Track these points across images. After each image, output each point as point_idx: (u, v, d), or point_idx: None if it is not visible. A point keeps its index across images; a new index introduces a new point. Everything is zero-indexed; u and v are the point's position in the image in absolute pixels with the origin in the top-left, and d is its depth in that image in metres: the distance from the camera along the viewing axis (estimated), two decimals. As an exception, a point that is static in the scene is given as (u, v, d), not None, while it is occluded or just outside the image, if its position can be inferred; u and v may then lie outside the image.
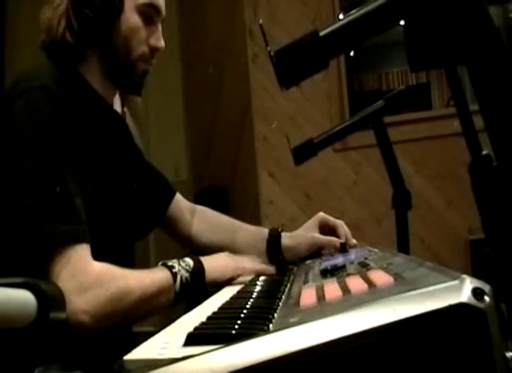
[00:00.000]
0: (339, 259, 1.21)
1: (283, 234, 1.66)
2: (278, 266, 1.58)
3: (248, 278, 1.39)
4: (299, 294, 0.85)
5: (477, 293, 0.51)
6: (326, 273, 1.01)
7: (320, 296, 0.77)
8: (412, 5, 0.73)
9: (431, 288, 0.53)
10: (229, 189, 4.42)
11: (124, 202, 1.42)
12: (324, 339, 0.52)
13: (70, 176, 1.19)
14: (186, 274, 1.24)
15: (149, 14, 1.39)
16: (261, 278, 1.29)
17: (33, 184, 1.16)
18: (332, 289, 0.79)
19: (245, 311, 0.86)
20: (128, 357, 0.73)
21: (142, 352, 0.76)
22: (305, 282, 1.02)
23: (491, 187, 0.68)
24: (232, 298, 1.08)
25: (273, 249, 1.64)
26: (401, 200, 1.90)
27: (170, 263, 1.25)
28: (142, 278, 1.21)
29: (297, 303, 0.79)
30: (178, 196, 1.70)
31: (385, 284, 0.70)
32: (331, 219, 1.68)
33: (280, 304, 0.88)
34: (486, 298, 0.51)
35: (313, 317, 0.56)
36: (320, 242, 1.63)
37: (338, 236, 1.63)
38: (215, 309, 0.96)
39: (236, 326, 0.74)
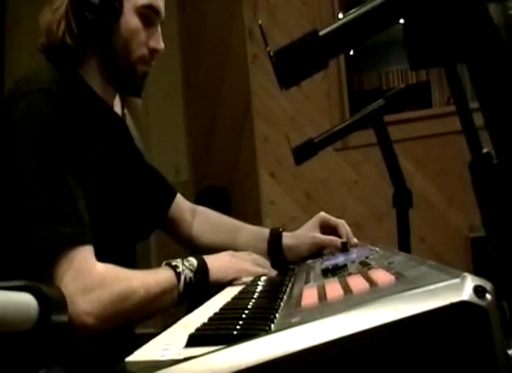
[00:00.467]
0: (340, 259, 1.21)
1: (284, 234, 1.66)
2: (280, 266, 1.58)
3: (250, 278, 1.38)
4: (301, 294, 0.85)
5: (478, 291, 0.51)
6: (327, 273, 1.01)
7: (322, 296, 0.77)
8: (411, 3, 0.73)
9: (432, 287, 0.53)
10: (229, 189, 4.42)
11: (125, 204, 1.42)
12: (325, 338, 0.52)
13: (72, 178, 1.20)
14: (190, 274, 1.24)
15: (148, 16, 1.38)
16: (263, 278, 1.29)
17: (35, 187, 1.16)
18: (333, 288, 0.79)
19: (247, 311, 0.86)
20: (129, 358, 0.73)
21: (143, 353, 0.76)
22: (306, 282, 1.01)
23: (491, 185, 0.68)
24: (233, 299, 1.08)
25: (274, 249, 1.64)
26: (402, 199, 1.90)
27: (173, 263, 1.25)
28: (145, 278, 1.21)
29: (299, 303, 0.79)
30: (179, 198, 1.70)
31: (386, 283, 0.70)
32: (332, 219, 1.68)
33: (282, 304, 0.88)
34: (488, 296, 0.51)
35: (314, 317, 0.56)
36: (322, 241, 1.63)
37: (339, 236, 1.63)
38: (217, 310, 0.96)
39: (238, 327, 0.74)
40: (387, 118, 1.93)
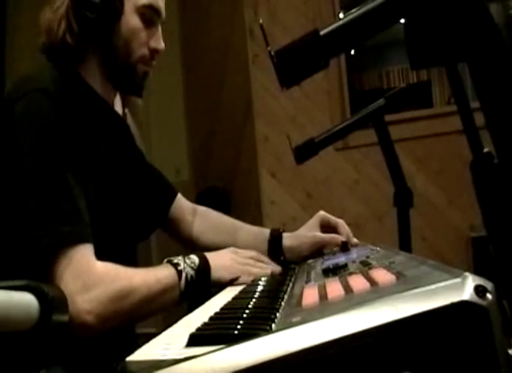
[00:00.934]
0: (341, 258, 1.21)
1: (284, 234, 1.66)
2: (280, 266, 1.58)
3: (250, 278, 1.38)
4: (302, 294, 0.85)
5: (479, 290, 0.51)
6: (328, 273, 1.01)
7: (323, 295, 0.77)
8: (411, 3, 0.73)
9: (433, 286, 0.53)
10: (230, 189, 4.42)
11: (126, 203, 1.42)
12: (326, 338, 0.52)
13: (72, 178, 1.20)
14: (191, 272, 1.24)
15: (149, 16, 1.38)
16: (263, 278, 1.29)
17: (35, 187, 1.16)
18: (334, 288, 0.79)
19: (247, 311, 0.86)
20: (130, 358, 0.73)
21: (144, 353, 0.76)
22: (307, 281, 1.01)
23: (492, 185, 0.68)
24: (234, 298, 1.08)
25: (274, 250, 1.64)
26: (403, 199, 1.90)
27: (175, 261, 1.25)
28: (146, 276, 1.20)
29: (299, 303, 0.79)
30: (180, 197, 1.70)
31: (387, 283, 0.70)
32: (332, 218, 1.68)
33: (282, 303, 0.88)
34: (489, 296, 0.51)
35: (315, 316, 0.56)
36: (322, 239, 1.63)
37: (339, 235, 1.63)
38: (218, 310, 0.96)
39: (239, 326, 0.74)
40: (388, 118, 1.93)
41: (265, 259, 1.45)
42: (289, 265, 1.54)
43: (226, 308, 0.98)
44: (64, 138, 1.21)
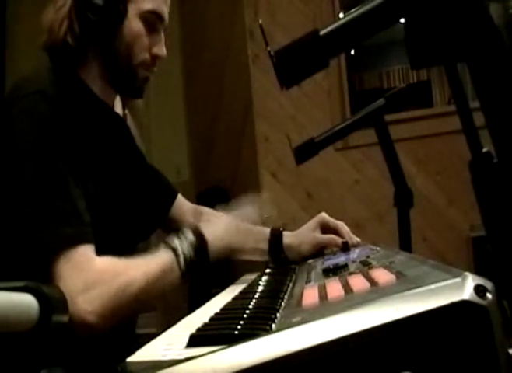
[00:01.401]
0: (341, 258, 1.21)
1: (285, 233, 1.66)
2: (281, 265, 1.58)
3: (251, 277, 1.39)
4: (302, 294, 0.85)
5: (479, 290, 0.52)
6: (328, 273, 1.01)
7: (323, 295, 0.77)
8: (411, 3, 0.73)
9: (433, 286, 0.53)
10: (230, 189, 4.42)
11: (126, 204, 1.42)
12: (326, 338, 0.52)
13: (71, 179, 1.19)
14: (187, 248, 1.23)
15: (152, 21, 1.37)
16: (264, 278, 1.29)
17: (35, 189, 1.16)
18: (334, 288, 0.79)
19: (247, 311, 0.86)
20: (131, 358, 0.74)
21: (145, 354, 0.76)
22: (307, 281, 1.02)
23: (491, 185, 0.68)
24: (234, 299, 1.08)
25: (275, 249, 1.64)
26: (403, 198, 1.90)
27: (172, 245, 1.24)
28: (145, 264, 1.20)
29: (300, 303, 0.79)
30: (180, 198, 1.70)
31: (387, 283, 0.70)
32: (332, 220, 1.68)
33: (283, 304, 0.88)
34: (489, 295, 0.51)
35: (315, 316, 0.56)
36: (322, 241, 1.63)
37: (339, 236, 1.63)
38: (218, 310, 0.96)
39: (239, 327, 0.74)
40: (388, 117, 1.93)
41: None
42: (290, 265, 1.54)
43: (226, 309, 0.98)
44: (63, 139, 1.21)
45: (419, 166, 3.85)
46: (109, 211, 1.33)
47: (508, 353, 0.52)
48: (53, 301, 0.53)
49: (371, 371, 0.52)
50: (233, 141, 4.39)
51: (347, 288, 0.76)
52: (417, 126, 3.97)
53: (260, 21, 1.09)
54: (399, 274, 0.73)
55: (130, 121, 1.59)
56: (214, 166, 4.60)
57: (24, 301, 0.52)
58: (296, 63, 0.77)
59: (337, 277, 0.92)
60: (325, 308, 0.70)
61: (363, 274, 0.84)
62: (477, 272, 0.53)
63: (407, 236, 1.91)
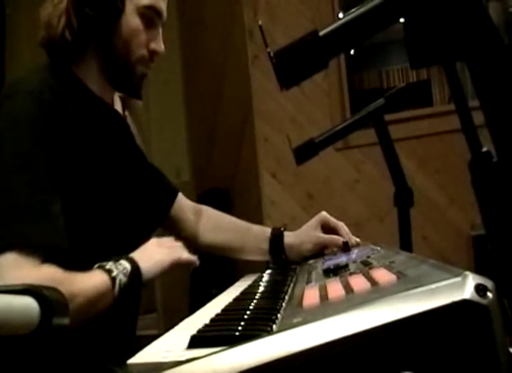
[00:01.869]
0: (342, 259, 1.21)
1: (286, 233, 1.66)
2: (281, 266, 1.58)
3: (252, 278, 1.39)
4: (302, 294, 0.85)
5: (480, 289, 0.52)
6: (329, 273, 1.01)
7: (323, 296, 0.77)
8: (411, 2, 0.73)
9: (434, 286, 0.53)
10: (231, 190, 4.42)
11: (126, 202, 1.41)
12: (327, 338, 0.52)
13: (49, 182, 1.18)
14: (124, 279, 1.20)
15: (150, 17, 1.37)
16: (264, 279, 1.29)
17: (9, 187, 1.16)
18: (335, 288, 0.79)
19: (248, 312, 0.86)
20: (132, 360, 0.74)
21: (146, 355, 0.77)
22: (308, 282, 1.01)
23: (491, 184, 0.68)
24: (235, 300, 1.08)
25: (276, 249, 1.64)
26: (403, 198, 1.90)
27: (107, 267, 1.20)
28: (84, 282, 1.16)
29: (300, 303, 0.79)
30: (181, 196, 1.70)
31: (388, 283, 0.70)
32: (332, 219, 1.68)
33: (283, 304, 0.88)
34: (489, 295, 0.51)
35: (316, 317, 0.56)
36: (324, 241, 1.63)
37: (339, 236, 1.63)
38: (219, 311, 0.96)
39: (240, 328, 0.74)
40: (388, 117, 1.93)
41: (179, 244, 1.42)
42: (290, 265, 1.54)
43: (227, 310, 0.98)
44: (46, 141, 1.20)
45: (419, 165, 3.85)
46: (109, 210, 1.33)
47: (509, 352, 0.52)
48: (53, 304, 0.53)
49: (372, 371, 0.52)
50: (233, 142, 4.39)
51: (348, 288, 0.76)
52: (417, 125, 3.97)
53: (260, 22, 1.09)
54: (400, 274, 0.73)
55: (130, 121, 1.58)
56: (214, 167, 4.61)
57: (25, 304, 0.52)
58: (295, 64, 0.77)
59: (337, 278, 0.92)
60: (326, 308, 0.70)
61: (364, 274, 0.84)
62: (478, 271, 0.53)
63: (407, 236, 1.91)
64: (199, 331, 0.79)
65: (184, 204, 1.70)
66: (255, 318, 0.81)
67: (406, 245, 1.89)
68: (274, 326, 0.73)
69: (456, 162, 3.61)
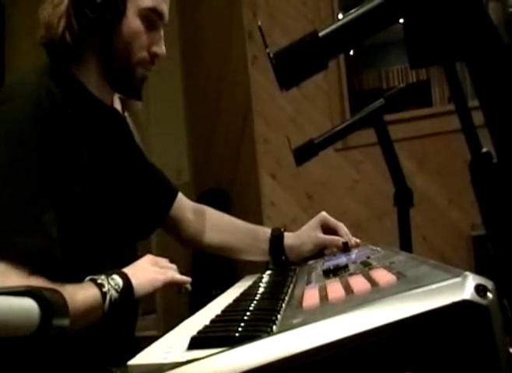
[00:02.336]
0: (342, 259, 1.21)
1: (286, 234, 1.66)
2: (281, 266, 1.58)
3: (252, 279, 1.39)
4: (302, 295, 0.85)
5: (480, 289, 0.52)
6: (329, 274, 1.01)
7: (323, 296, 0.77)
8: (411, 3, 0.73)
9: (434, 286, 0.53)
10: (230, 191, 4.42)
11: (126, 202, 1.41)
12: (327, 339, 0.52)
13: (42, 190, 1.17)
14: (115, 294, 1.18)
15: (151, 19, 1.36)
16: (264, 280, 1.29)
17: (1, 195, 1.14)
18: (335, 289, 0.79)
19: (248, 313, 0.86)
20: (132, 361, 0.74)
21: (146, 357, 0.76)
22: (308, 283, 1.01)
23: (491, 184, 0.68)
24: (235, 301, 1.08)
25: (276, 250, 1.64)
26: (403, 198, 1.90)
27: (99, 281, 1.19)
28: (74, 296, 1.13)
29: (300, 304, 0.79)
30: (181, 196, 1.69)
31: (388, 283, 0.70)
32: (332, 220, 1.68)
33: (283, 305, 0.88)
34: (489, 295, 0.51)
35: (316, 318, 0.56)
36: (324, 241, 1.63)
37: (339, 236, 1.63)
38: (219, 312, 0.96)
39: (240, 329, 0.74)
40: (388, 117, 1.94)
41: (174, 266, 1.39)
42: (290, 266, 1.54)
43: (227, 311, 0.98)
44: (42, 148, 1.19)
45: (418, 166, 3.85)
46: (108, 210, 1.33)
47: (509, 352, 0.52)
48: (54, 306, 0.53)
49: (372, 371, 0.52)
50: (233, 143, 4.39)
51: (348, 289, 0.76)
52: (417, 125, 3.97)
53: (259, 22, 1.09)
54: (399, 275, 0.73)
55: (129, 121, 1.58)
56: (214, 168, 4.61)
57: (25, 306, 0.52)
58: (295, 64, 0.78)
59: (337, 278, 0.92)
60: (326, 309, 0.70)
61: (364, 275, 0.84)
62: (478, 271, 0.53)
63: (407, 236, 1.91)
64: (199, 332, 0.79)
65: (184, 204, 1.69)
66: (255, 319, 0.81)
67: (406, 245, 1.89)
68: (274, 327, 0.73)
69: (456, 162, 3.61)
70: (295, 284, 1.11)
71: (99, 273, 1.21)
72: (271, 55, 0.77)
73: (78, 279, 1.20)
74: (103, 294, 1.17)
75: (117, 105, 1.51)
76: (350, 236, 1.63)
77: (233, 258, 1.76)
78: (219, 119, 4.54)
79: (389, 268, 0.83)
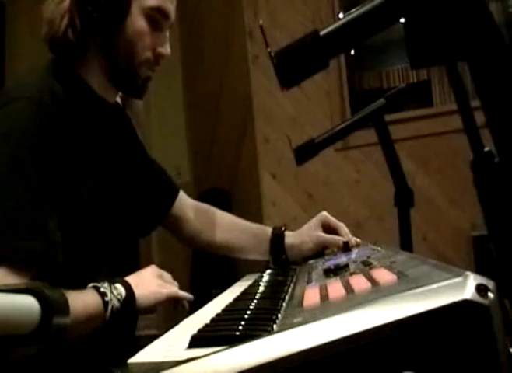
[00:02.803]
0: (342, 259, 1.21)
1: (287, 233, 1.66)
2: (281, 266, 1.58)
3: (252, 278, 1.38)
4: (303, 294, 0.85)
5: (481, 289, 0.51)
6: (329, 273, 1.01)
7: (324, 296, 0.77)
8: (411, 2, 0.73)
9: (434, 286, 0.53)
10: (231, 190, 4.42)
11: (128, 200, 1.41)
12: (328, 338, 0.52)
13: (43, 194, 1.16)
14: (117, 304, 1.17)
15: (156, 19, 1.34)
16: (264, 279, 1.29)
17: (2, 201, 1.13)
18: (336, 288, 0.79)
19: (249, 312, 0.86)
20: (132, 360, 0.74)
21: (146, 355, 0.76)
22: (308, 282, 1.01)
23: (493, 184, 0.68)
24: (235, 300, 1.08)
25: (276, 248, 1.64)
26: (404, 198, 1.90)
27: (102, 289, 1.17)
28: (74, 303, 1.11)
29: (301, 303, 0.79)
30: (182, 194, 1.69)
31: (388, 283, 0.70)
32: (333, 220, 1.68)
33: (284, 304, 0.88)
34: (490, 295, 0.51)
35: (316, 317, 0.56)
36: (325, 240, 1.63)
37: (339, 236, 1.63)
38: (219, 311, 0.96)
39: (240, 328, 0.74)
40: (388, 117, 1.93)
41: (176, 283, 1.37)
42: (291, 265, 1.54)
43: (227, 310, 0.98)
44: (44, 151, 1.18)
45: (419, 166, 3.85)
46: (112, 207, 1.33)
47: (509, 352, 0.52)
48: (54, 303, 0.53)
49: (373, 371, 0.52)
50: (233, 142, 4.39)
51: (348, 288, 0.76)
52: (417, 125, 3.97)
53: (260, 22, 1.09)
54: (400, 274, 0.73)
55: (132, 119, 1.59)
56: (214, 167, 4.60)
57: (26, 303, 0.51)
58: (296, 64, 0.77)
59: (338, 278, 0.92)
60: (326, 308, 0.70)
61: (364, 274, 0.84)
62: (478, 271, 0.53)
63: (407, 236, 1.91)
64: (199, 331, 0.79)
65: (185, 203, 1.69)
66: (256, 318, 0.81)
67: (406, 245, 1.89)
68: (274, 326, 0.73)
69: (456, 162, 3.61)
70: (295, 284, 1.11)
71: (101, 271, 1.21)
72: (272, 54, 0.77)
73: (79, 276, 1.20)
74: (105, 304, 1.16)
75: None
76: (350, 236, 1.63)
77: (234, 257, 1.75)
78: (220, 118, 4.54)
79: (390, 268, 0.83)
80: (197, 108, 4.81)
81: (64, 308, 0.55)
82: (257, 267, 1.61)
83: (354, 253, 1.34)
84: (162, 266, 1.34)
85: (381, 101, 1.88)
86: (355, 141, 3.80)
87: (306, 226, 1.69)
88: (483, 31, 0.67)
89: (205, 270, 4.20)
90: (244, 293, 1.16)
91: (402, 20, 0.74)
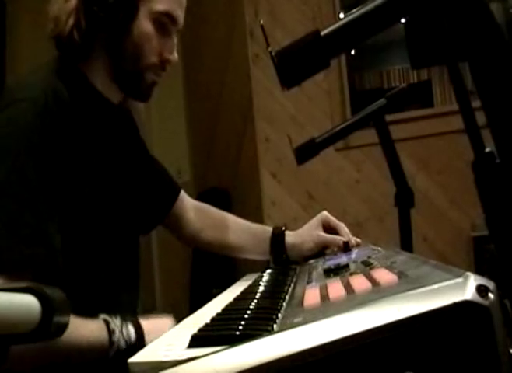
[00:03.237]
0: (342, 259, 1.21)
1: (287, 232, 1.66)
2: (282, 265, 1.58)
3: (252, 278, 1.39)
4: (303, 294, 0.85)
5: (481, 290, 0.51)
6: (329, 273, 1.01)
7: (324, 296, 0.77)
8: (412, 3, 0.73)
9: (435, 286, 0.53)
10: (231, 190, 4.42)
11: (129, 199, 1.41)
12: (328, 338, 0.52)
13: (44, 197, 1.15)
14: (123, 346, 1.14)
15: (164, 23, 1.33)
16: (265, 279, 1.29)
17: (2, 206, 1.12)
18: (336, 288, 0.79)
19: (249, 312, 0.86)
20: (132, 359, 0.74)
21: (146, 354, 0.76)
22: (308, 282, 1.01)
23: (494, 184, 0.68)
24: (235, 299, 1.08)
25: (277, 248, 1.64)
26: (404, 198, 1.90)
27: (112, 326, 1.15)
28: (81, 331, 1.11)
29: (301, 303, 0.79)
30: (183, 194, 1.69)
31: (389, 283, 0.70)
32: (333, 219, 1.68)
33: (284, 304, 0.88)
34: (490, 295, 0.51)
35: (317, 317, 0.56)
36: (325, 240, 1.63)
37: (340, 236, 1.63)
38: (219, 310, 0.96)
39: (241, 327, 0.74)
40: (389, 117, 1.93)
41: None
42: (291, 265, 1.54)
43: (227, 309, 0.98)
44: (47, 154, 1.17)
45: (419, 166, 3.85)
46: (114, 206, 1.33)
47: (510, 353, 0.52)
48: (54, 302, 0.53)
49: (373, 371, 0.52)
50: (234, 142, 4.39)
51: (348, 288, 0.76)
52: (418, 126, 3.97)
53: (261, 21, 1.09)
54: (401, 274, 0.73)
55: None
56: (214, 167, 4.61)
57: (26, 302, 0.51)
58: (297, 63, 0.78)
59: (338, 278, 0.92)
60: (327, 308, 0.70)
61: (365, 274, 0.84)
62: (478, 272, 0.53)
63: (408, 236, 1.91)
64: (200, 330, 0.79)
65: (185, 202, 1.69)
66: (256, 317, 0.81)
67: (406, 245, 1.89)
68: (275, 326, 0.73)
69: (456, 162, 3.61)
70: (296, 283, 1.11)
71: (102, 270, 1.21)
72: (273, 54, 0.77)
73: (80, 276, 1.20)
74: (111, 343, 1.13)
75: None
76: (351, 236, 1.63)
77: (234, 256, 1.76)
78: (220, 117, 4.54)
79: (390, 268, 0.83)
80: (197, 107, 4.81)
81: (64, 306, 0.55)
82: (258, 267, 1.61)
83: (354, 253, 1.35)
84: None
85: (382, 101, 1.88)
86: (355, 141, 3.80)
87: (306, 226, 1.69)
88: (484, 31, 0.67)
89: (205, 269, 4.20)
90: (244, 292, 1.16)
91: (403, 20, 0.74)
